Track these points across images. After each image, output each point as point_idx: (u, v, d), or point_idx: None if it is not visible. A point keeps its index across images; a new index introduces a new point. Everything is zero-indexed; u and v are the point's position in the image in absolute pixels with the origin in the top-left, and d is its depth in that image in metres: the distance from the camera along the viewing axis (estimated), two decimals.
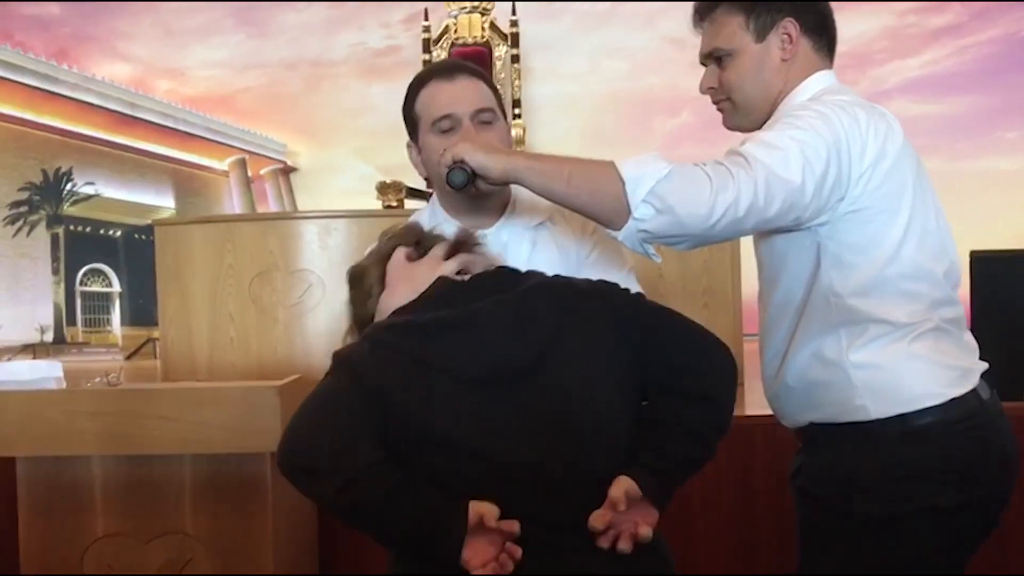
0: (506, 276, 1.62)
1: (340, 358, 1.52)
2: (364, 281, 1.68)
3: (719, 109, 1.86)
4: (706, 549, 2.93)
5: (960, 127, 6.16)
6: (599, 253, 1.86)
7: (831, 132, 1.62)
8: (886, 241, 1.68)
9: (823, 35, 1.81)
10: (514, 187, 1.82)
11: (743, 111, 1.81)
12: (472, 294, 1.55)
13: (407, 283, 1.61)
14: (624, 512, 1.44)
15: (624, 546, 1.43)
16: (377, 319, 1.62)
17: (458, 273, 1.62)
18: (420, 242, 1.68)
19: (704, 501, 2.92)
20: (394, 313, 1.58)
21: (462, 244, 1.68)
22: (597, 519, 1.44)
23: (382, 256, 1.69)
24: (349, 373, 1.49)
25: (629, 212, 1.57)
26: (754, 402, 3.26)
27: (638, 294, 1.64)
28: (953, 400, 1.68)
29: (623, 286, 1.64)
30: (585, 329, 1.52)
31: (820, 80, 1.78)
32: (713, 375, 1.56)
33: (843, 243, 1.68)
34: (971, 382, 1.71)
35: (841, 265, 1.69)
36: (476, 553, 1.39)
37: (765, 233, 1.75)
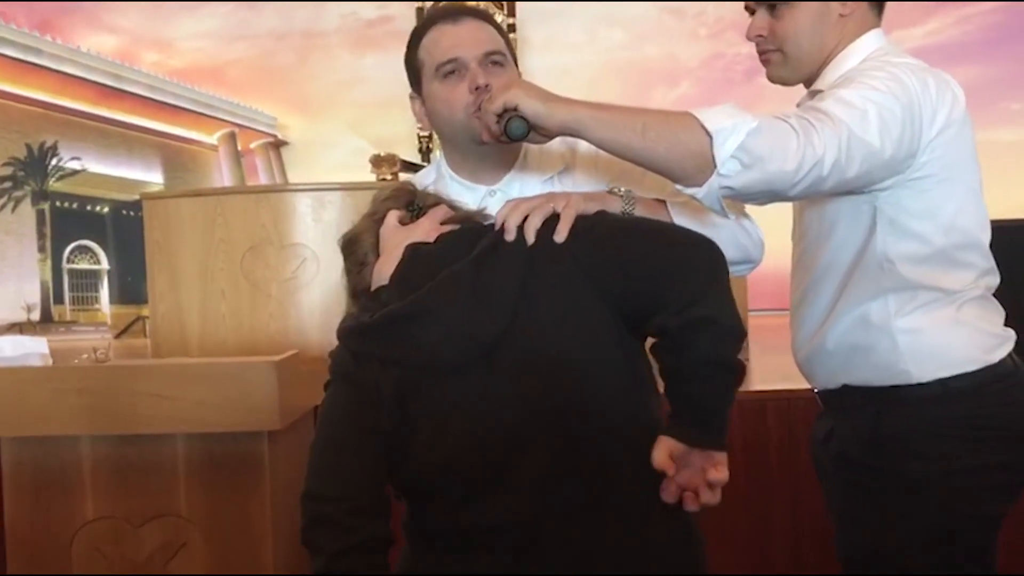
0: (465, 237, 1.51)
1: (334, 369, 1.50)
2: (357, 249, 1.61)
3: (764, 60, 1.81)
4: (718, 528, 2.86)
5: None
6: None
7: (905, 95, 1.60)
8: (944, 210, 1.68)
9: None
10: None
11: (793, 64, 1.78)
12: (441, 261, 1.46)
13: (402, 250, 1.52)
14: (686, 469, 1.39)
15: (707, 498, 1.39)
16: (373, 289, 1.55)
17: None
18: (413, 202, 1.60)
19: None
20: (370, 293, 1.52)
21: (469, 217, 1.59)
22: (665, 494, 1.40)
23: (375, 220, 1.60)
24: (348, 382, 1.46)
25: (714, 167, 1.48)
26: (765, 376, 3.20)
27: (598, 214, 1.49)
28: (991, 364, 1.71)
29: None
30: (551, 280, 1.43)
31: (873, 39, 1.77)
32: (698, 284, 1.37)
33: (902, 209, 1.67)
34: (1008, 347, 1.75)
35: (897, 231, 1.68)
36: None
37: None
